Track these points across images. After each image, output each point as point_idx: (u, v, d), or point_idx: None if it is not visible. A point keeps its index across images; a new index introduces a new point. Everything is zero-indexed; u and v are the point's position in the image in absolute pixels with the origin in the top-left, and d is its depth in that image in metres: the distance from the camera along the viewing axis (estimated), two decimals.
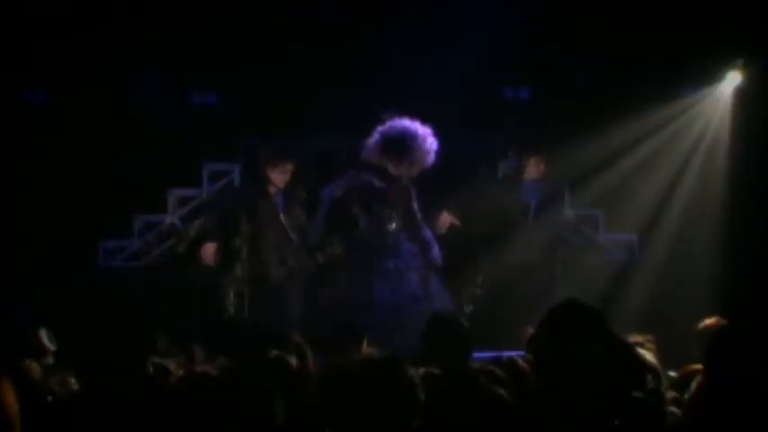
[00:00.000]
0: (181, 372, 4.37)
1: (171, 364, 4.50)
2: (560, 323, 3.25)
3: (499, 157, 8.72)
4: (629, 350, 3.70)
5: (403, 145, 7.61)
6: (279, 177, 7.81)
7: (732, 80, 8.89)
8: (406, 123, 7.63)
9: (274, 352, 4.30)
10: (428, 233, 7.82)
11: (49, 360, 5.41)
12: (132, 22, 8.33)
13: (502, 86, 9.16)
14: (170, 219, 9.06)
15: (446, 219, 8.03)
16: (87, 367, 4.01)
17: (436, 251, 7.78)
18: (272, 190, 7.86)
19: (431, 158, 7.67)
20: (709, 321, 5.69)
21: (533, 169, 8.30)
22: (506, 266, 8.13)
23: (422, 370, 3.88)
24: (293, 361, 4.23)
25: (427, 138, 7.61)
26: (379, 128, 7.70)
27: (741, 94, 8.88)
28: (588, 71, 8.73)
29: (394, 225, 7.73)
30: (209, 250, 7.76)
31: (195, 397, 3.61)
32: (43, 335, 5.57)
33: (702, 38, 8.38)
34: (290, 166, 7.84)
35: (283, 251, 7.85)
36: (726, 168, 8.85)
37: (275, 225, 7.85)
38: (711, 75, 8.93)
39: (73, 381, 4.43)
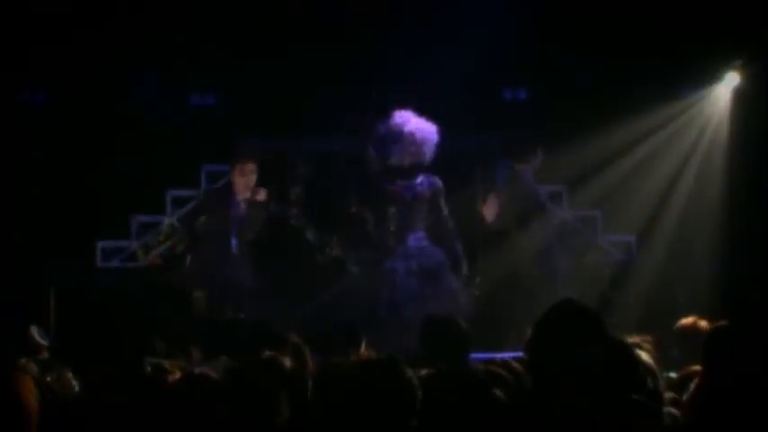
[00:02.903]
0: (178, 372, 4.37)
1: (168, 365, 4.50)
2: (557, 324, 3.25)
3: (498, 157, 8.72)
4: (628, 351, 3.70)
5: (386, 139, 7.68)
6: (241, 181, 7.80)
7: (731, 80, 8.89)
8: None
9: (267, 353, 4.30)
10: (451, 227, 7.83)
11: (45, 355, 5.43)
12: (132, 22, 8.32)
13: (501, 87, 9.16)
14: (168, 219, 9.06)
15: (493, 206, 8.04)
16: (86, 367, 4.01)
17: (457, 247, 7.81)
18: (239, 198, 7.85)
19: (419, 147, 7.68)
20: (686, 321, 5.69)
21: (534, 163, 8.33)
22: (504, 267, 8.14)
23: (423, 371, 3.88)
24: (287, 361, 4.22)
25: (407, 125, 7.65)
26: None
27: (740, 95, 8.88)
28: (588, 71, 8.72)
29: (397, 224, 7.74)
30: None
31: (196, 397, 3.61)
32: (35, 332, 5.58)
33: (702, 38, 8.37)
34: (251, 167, 7.82)
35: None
36: (725, 168, 8.86)
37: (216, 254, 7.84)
38: (711, 75, 8.94)
39: (70, 375, 4.43)
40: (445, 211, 7.81)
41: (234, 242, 7.90)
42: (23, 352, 5.16)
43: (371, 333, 6.01)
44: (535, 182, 8.48)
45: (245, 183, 7.88)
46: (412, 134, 7.66)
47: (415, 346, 5.47)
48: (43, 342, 5.63)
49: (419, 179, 7.85)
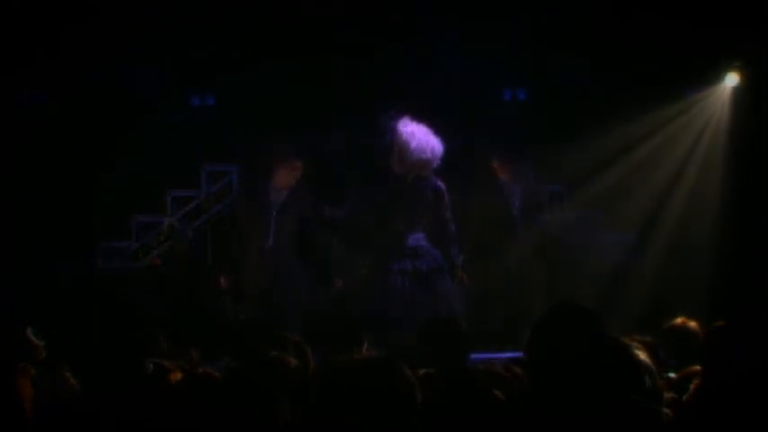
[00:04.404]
0: (179, 372, 4.37)
1: (169, 364, 4.50)
2: (556, 324, 3.26)
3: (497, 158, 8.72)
4: (627, 351, 3.71)
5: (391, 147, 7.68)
6: (286, 176, 7.87)
7: (731, 81, 8.90)
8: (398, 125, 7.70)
9: (273, 352, 4.30)
10: (452, 230, 7.82)
11: (42, 354, 5.42)
12: (132, 22, 8.33)
13: (501, 87, 9.17)
14: (168, 220, 9.07)
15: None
16: (87, 367, 4.02)
17: (455, 250, 7.80)
18: (278, 189, 7.90)
19: (420, 169, 7.68)
20: (675, 322, 5.69)
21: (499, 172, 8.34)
22: (501, 268, 8.15)
23: (422, 371, 3.89)
24: (292, 361, 4.22)
25: (410, 135, 7.66)
26: None
27: (740, 95, 8.89)
28: (587, 71, 8.73)
29: (401, 226, 7.74)
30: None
31: (198, 397, 3.62)
32: (30, 333, 5.57)
33: (702, 38, 8.37)
34: (299, 164, 7.90)
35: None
36: (724, 168, 8.86)
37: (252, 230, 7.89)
38: (711, 75, 8.94)
39: (69, 376, 4.43)
40: (447, 214, 7.80)
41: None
42: (21, 354, 5.14)
43: (366, 332, 6.00)
44: (508, 188, 8.39)
45: (289, 176, 7.93)
46: (414, 156, 7.63)
47: (404, 345, 5.47)
48: (39, 342, 5.61)
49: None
